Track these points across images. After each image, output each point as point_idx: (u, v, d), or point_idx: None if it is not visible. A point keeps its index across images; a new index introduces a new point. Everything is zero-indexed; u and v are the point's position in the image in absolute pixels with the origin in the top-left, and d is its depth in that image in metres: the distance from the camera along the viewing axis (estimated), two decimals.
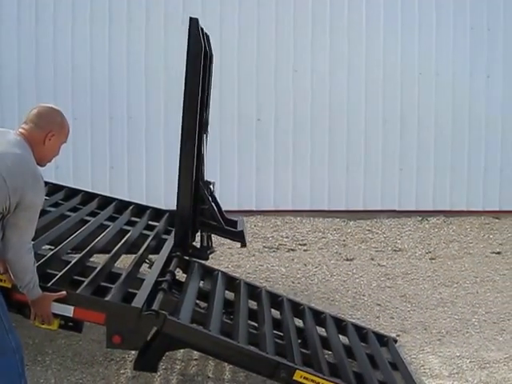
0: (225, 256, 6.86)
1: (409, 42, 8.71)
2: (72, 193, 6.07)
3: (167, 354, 4.24)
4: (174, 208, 5.02)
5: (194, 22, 4.76)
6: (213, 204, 5.48)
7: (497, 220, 8.60)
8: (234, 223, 5.71)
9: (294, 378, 3.79)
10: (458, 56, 8.77)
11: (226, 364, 4.45)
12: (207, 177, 5.44)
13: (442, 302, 6.08)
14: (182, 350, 4.58)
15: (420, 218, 8.58)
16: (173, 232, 5.35)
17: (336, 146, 8.72)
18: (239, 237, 5.55)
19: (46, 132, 3.23)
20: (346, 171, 8.75)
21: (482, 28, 8.75)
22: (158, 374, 4.31)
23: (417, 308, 5.91)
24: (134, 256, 4.60)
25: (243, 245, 5.62)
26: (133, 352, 4.37)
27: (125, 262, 5.12)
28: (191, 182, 4.98)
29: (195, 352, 4.52)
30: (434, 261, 7.31)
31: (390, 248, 7.70)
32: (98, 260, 4.54)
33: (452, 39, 8.76)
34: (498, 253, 7.58)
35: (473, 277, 6.77)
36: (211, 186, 5.52)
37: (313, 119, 8.69)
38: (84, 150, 8.56)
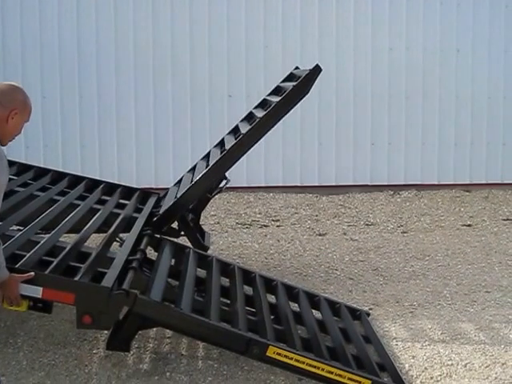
0: None
1: (379, 17, 8.69)
2: (41, 172, 5.98)
3: (140, 332, 4.22)
4: (146, 186, 5.00)
5: (317, 70, 5.03)
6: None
7: (467, 193, 8.67)
8: (203, 233, 5.72)
9: (267, 353, 3.81)
10: (429, 31, 8.77)
11: (200, 341, 4.45)
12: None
13: (413, 274, 6.12)
14: (154, 329, 4.57)
15: (392, 192, 8.63)
16: (144, 210, 5.33)
17: (308, 121, 8.70)
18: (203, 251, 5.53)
19: (9, 110, 3.15)
20: (317, 146, 8.75)
21: (452, 3, 8.74)
22: (131, 352, 4.30)
23: (389, 281, 5.95)
24: (104, 235, 4.56)
25: None
26: (106, 332, 4.35)
27: (96, 241, 5.09)
28: (216, 180, 5.28)
29: (168, 330, 4.51)
30: (405, 234, 7.36)
31: (362, 222, 7.73)
32: (69, 240, 4.50)
33: (422, 14, 8.74)
34: (469, 225, 7.65)
35: (444, 249, 6.82)
36: (224, 181, 5.55)
37: None
38: (54, 129, 8.47)
